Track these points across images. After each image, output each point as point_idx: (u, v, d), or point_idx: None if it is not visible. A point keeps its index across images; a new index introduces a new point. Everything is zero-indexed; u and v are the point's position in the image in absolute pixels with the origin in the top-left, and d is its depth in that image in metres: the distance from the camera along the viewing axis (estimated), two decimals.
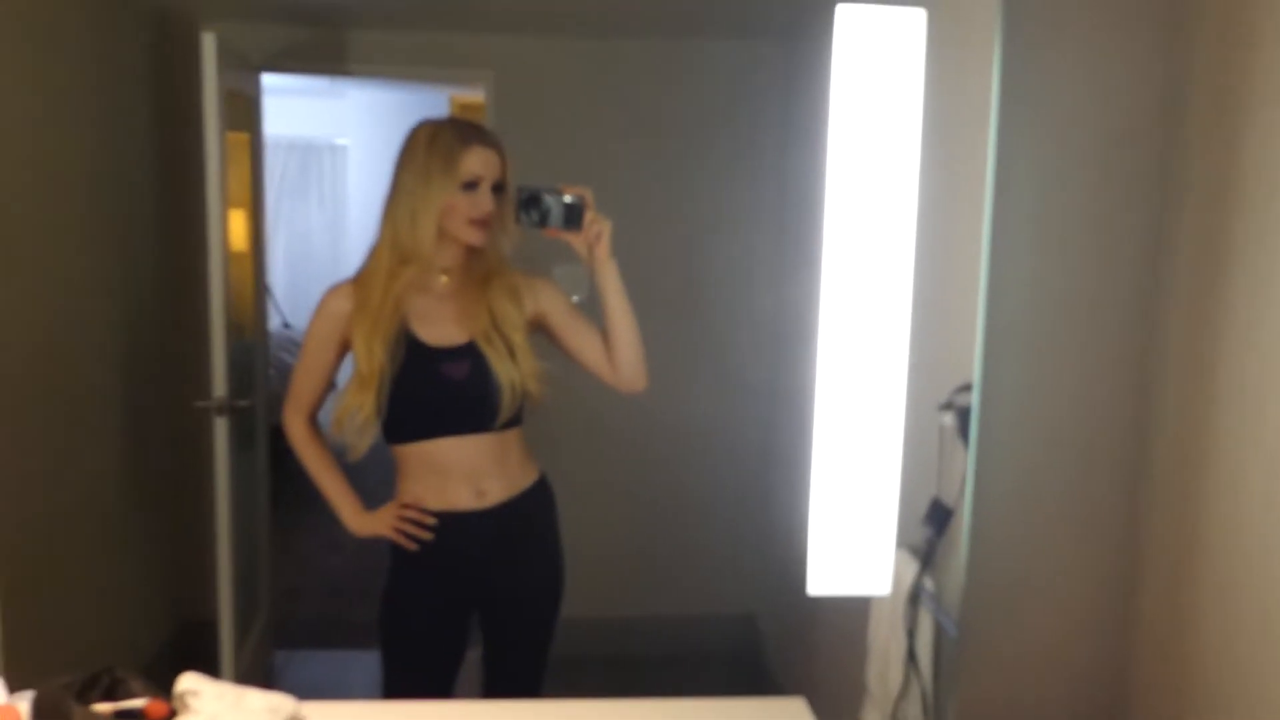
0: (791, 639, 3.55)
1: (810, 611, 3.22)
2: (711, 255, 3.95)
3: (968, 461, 1.35)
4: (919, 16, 1.17)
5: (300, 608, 4.44)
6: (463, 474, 2.19)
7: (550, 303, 2.24)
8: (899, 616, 1.58)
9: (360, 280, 2.16)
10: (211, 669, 3.20)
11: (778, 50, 3.82)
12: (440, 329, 2.16)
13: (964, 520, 1.60)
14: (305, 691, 3.77)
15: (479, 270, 2.19)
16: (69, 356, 2.98)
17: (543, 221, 2.06)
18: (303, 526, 5.45)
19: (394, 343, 2.12)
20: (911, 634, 1.62)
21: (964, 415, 1.55)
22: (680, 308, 3.86)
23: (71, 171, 3.00)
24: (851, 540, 1.31)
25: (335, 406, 2.17)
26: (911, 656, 1.63)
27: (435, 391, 2.15)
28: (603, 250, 2.08)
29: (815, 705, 1.75)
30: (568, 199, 2.06)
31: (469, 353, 2.15)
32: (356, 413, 2.12)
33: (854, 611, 2.74)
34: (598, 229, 2.06)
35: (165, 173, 3.64)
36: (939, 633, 1.60)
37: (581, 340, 2.23)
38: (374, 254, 2.15)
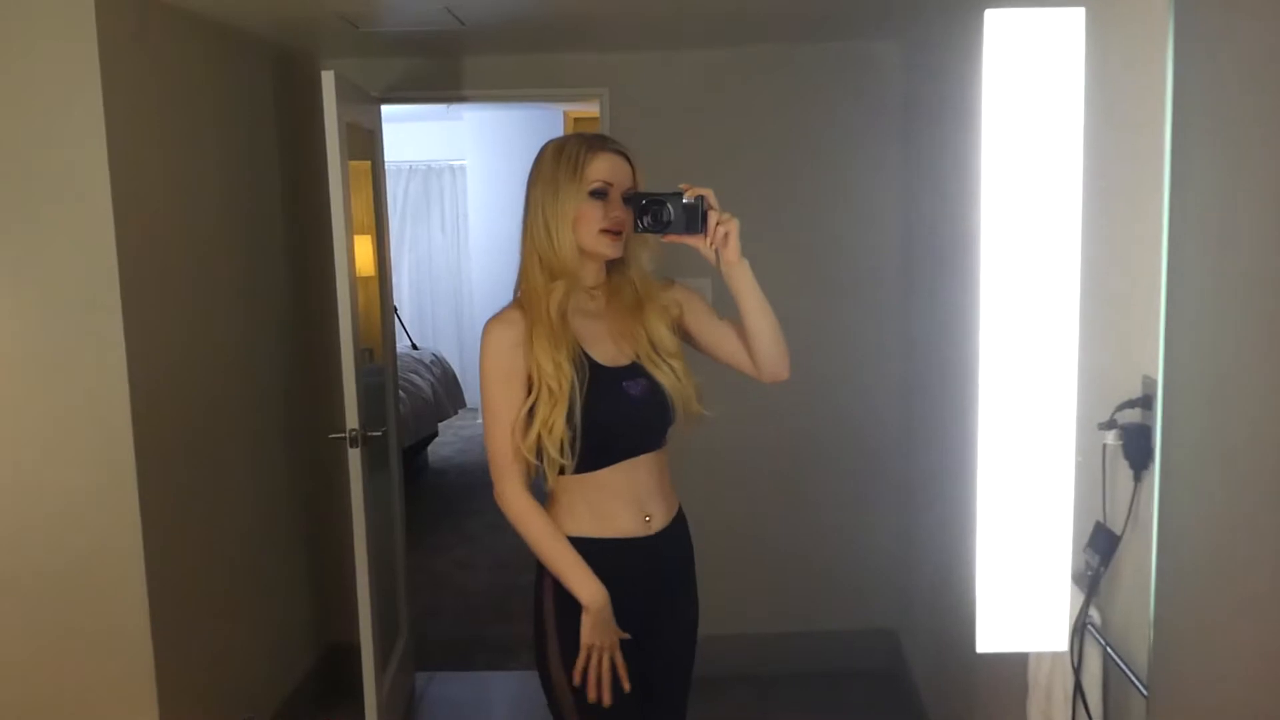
0: (935, 655, 3.44)
1: (954, 628, 3.12)
2: (837, 262, 3.87)
3: (1154, 484, 1.24)
4: (1077, 16, 1.09)
5: (438, 628, 4.48)
6: (632, 499, 2.08)
7: (687, 304, 2.17)
8: (1063, 650, 1.48)
9: (521, 303, 2.05)
10: (356, 692, 3.26)
11: (895, 51, 3.72)
12: (605, 349, 2.07)
13: (1148, 552, 1.50)
14: (448, 713, 3.85)
15: (626, 288, 2.12)
16: (210, 390, 3.05)
17: (663, 226, 1.96)
18: (436, 547, 5.52)
19: (575, 361, 2.00)
20: (1077, 670, 1.52)
21: (1130, 434, 1.45)
22: (810, 316, 3.79)
23: (205, 209, 3.08)
24: (1023, 591, 1.22)
25: (528, 434, 2.00)
26: (1078, 693, 1.53)
27: (623, 411, 2.04)
28: (732, 252, 1.97)
29: None
30: (687, 200, 1.95)
31: (640, 371, 2.07)
32: (552, 433, 1.97)
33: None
34: (724, 229, 1.95)
35: (293, 204, 3.72)
36: (1107, 669, 1.51)
37: (720, 338, 2.15)
38: (524, 275, 2.06)
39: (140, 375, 2.62)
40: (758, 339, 2.07)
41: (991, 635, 1.19)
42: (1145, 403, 1.48)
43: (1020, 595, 1.21)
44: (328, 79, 2.97)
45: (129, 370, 2.58)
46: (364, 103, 3.54)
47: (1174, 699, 1.17)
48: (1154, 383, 1.48)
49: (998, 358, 1.19)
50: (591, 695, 2.00)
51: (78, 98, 2.50)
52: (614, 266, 2.10)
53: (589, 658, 2.00)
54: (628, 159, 2.06)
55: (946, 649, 3.23)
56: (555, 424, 1.97)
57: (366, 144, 3.69)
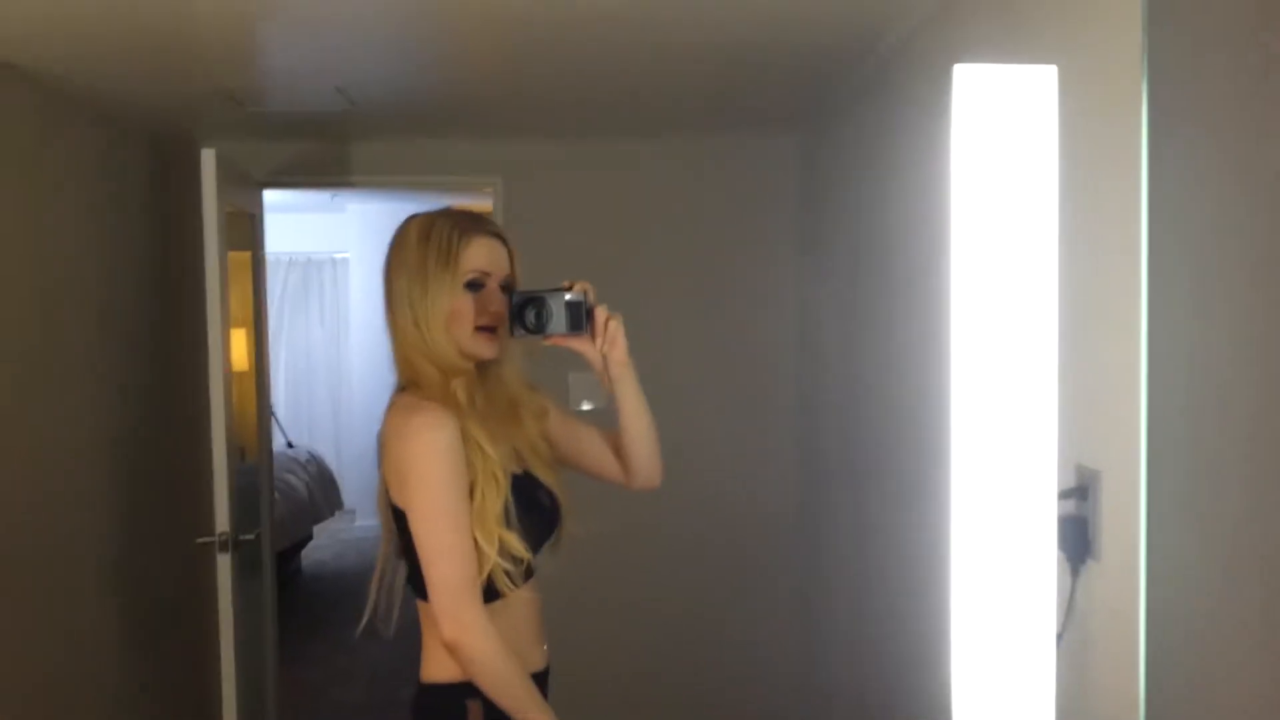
0: None
1: None
2: (731, 359, 3.82)
3: (1140, 570, 1.14)
4: (1049, 74, 1.03)
5: None
6: (538, 626, 1.84)
7: (551, 409, 1.96)
8: None
9: (434, 399, 1.73)
10: None
11: (791, 144, 3.74)
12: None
13: (1086, 649, 1.42)
14: None
15: (498, 390, 1.85)
16: (63, 497, 2.81)
17: (543, 327, 1.75)
18: (310, 658, 5.21)
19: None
20: None
21: (1066, 526, 1.37)
22: (702, 418, 3.72)
23: (68, 297, 2.86)
24: (1001, 706, 1.10)
25: (486, 535, 1.69)
26: None
27: (540, 522, 1.79)
28: (621, 352, 1.79)
29: None
30: (569, 298, 1.76)
31: (538, 482, 1.83)
32: (510, 529, 1.70)
33: None
34: (613, 328, 1.78)
35: (167, 293, 3.51)
36: None
37: (586, 445, 1.96)
38: (415, 372, 1.76)
39: None
40: (638, 444, 1.89)
41: None
42: (1080, 493, 1.41)
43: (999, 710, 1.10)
44: (207, 158, 2.82)
45: None
46: (245, 186, 3.38)
47: None
48: (1089, 472, 1.42)
49: (969, 440, 1.09)
50: None
51: None
52: (484, 366, 1.83)
53: None
54: (504, 242, 1.82)
55: None
56: (507, 518, 1.70)
57: (247, 231, 3.52)
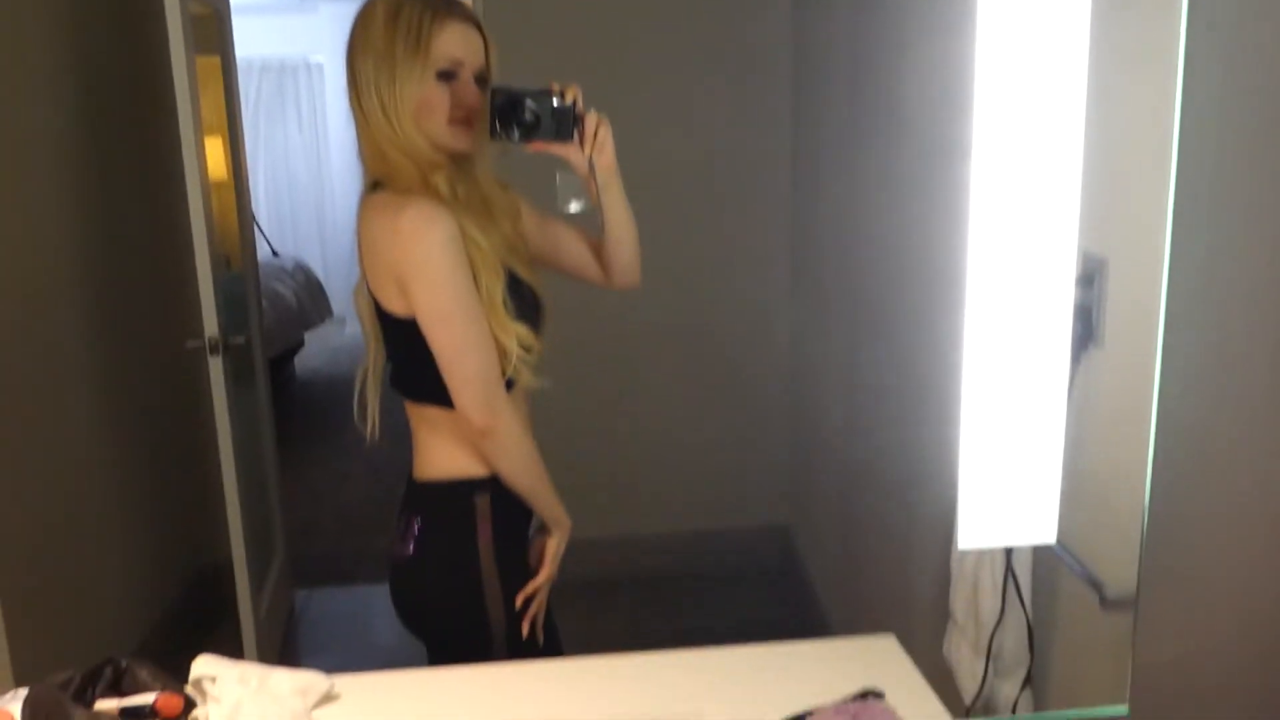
0: (833, 551, 3.43)
1: (851, 523, 3.10)
2: (721, 153, 3.75)
3: (1155, 375, 1.14)
4: None
5: (315, 544, 4.31)
6: (530, 419, 1.82)
7: (524, 207, 1.92)
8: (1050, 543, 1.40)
9: (414, 189, 1.67)
10: (231, 613, 3.10)
11: None
12: None
13: (1087, 438, 1.44)
14: (329, 630, 3.71)
15: (472, 189, 1.76)
16: (51, 306, 2.80)
17: (529, 133, 1.66)
18: (309, 461, 5.32)
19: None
20: (1009, 551, 1.46)
21: (1077, 316, 1.37)
22: (693, 206, 3.68)
23: (37, 106, 2.78)
24: (1009, 480, 1.12)
25: (504, 326, 1.67)
26: (1010, 580, 1.48)
27: (531, 318, 1.75)
28: (608, 159, 1.73)
29: (871, 626, 1.61)
30: (557, 103, 1.66)
31: (519, 278, 1.77)
32: (511, 335, 1.67)
33: (895, 519, 2.62)
34: (602, 134, 1.70)
35: (138, 101, 3.41)
36: (1037, 557, 1.46)
37: (563, 244, 1.92)
38: (389, 167, 1.68)
39: None
40: (621, 249, 1.85)
41: (972, 531, 1.10)
42: (1085, 280, 1.40)
43: (1004, 486, 1.12)
44: None
45: None
46: None
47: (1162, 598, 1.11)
48: (1095, 259, 1.41)
49: (986, 239, 1.08)
50: (527, 630, 1.83)
51: None
52: (455, 161, 1.74)
53: (538, 590, 1.82)
54: (479, 30, 1.71)
55: (849, 545, 3.21)
56: (511, 304, 1.66)
57: (215, 35, 3.38)
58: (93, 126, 3.13)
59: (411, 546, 1.79)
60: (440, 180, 1.68)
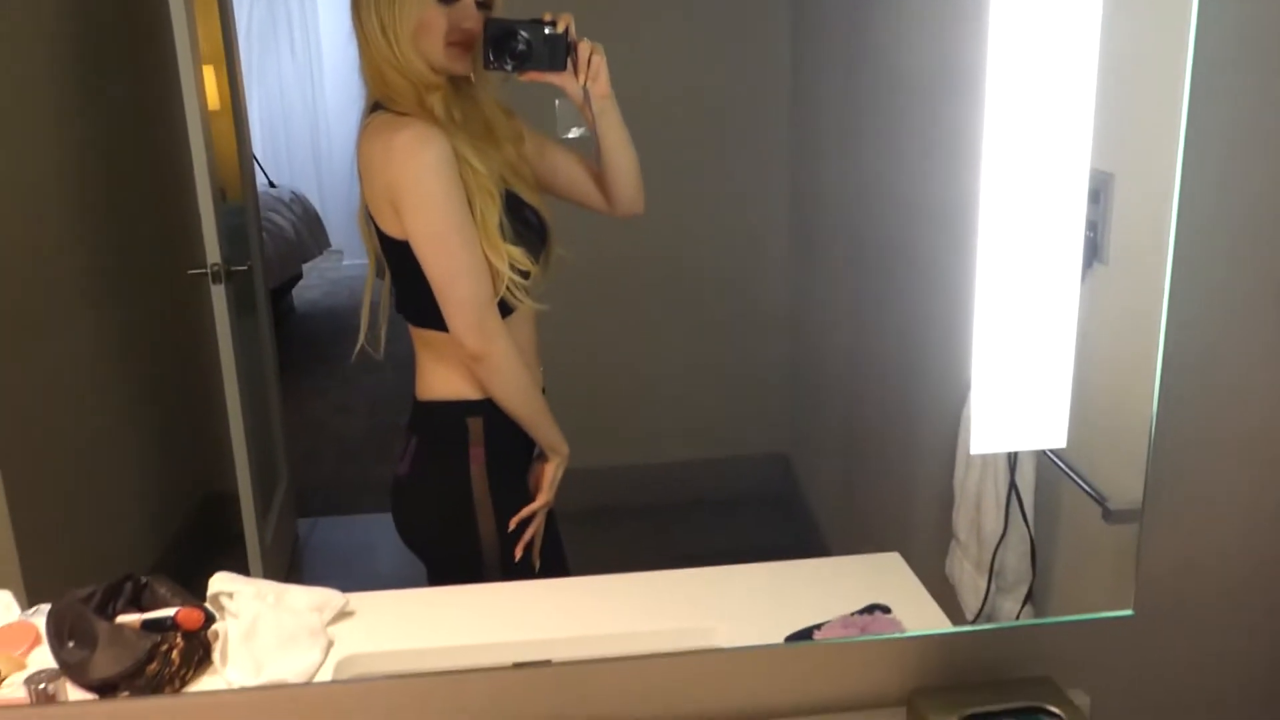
0: (831, 478, 3.46)
1: (852, 449, 3.12)
2: (716, 72, 3.71)
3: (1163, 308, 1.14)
4: None
5: (318, 474, 4.34)
6: (534, 344, 1.89)
7: (532, 141, 1.92)
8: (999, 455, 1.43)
9: (412, 113, 1.71)
10: (237, 540, 3.13)
11: None
12: None
13: (1090, 351, 1.45)
14: (334, 559, 3.74)
15: (474, 111, 1.81)
16: (52, 233, 2.79)
17: (521, 63, 1.70)
18: (310, 391, 5.32)
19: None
20: (1013, 469, 1.48)
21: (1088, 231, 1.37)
22: (690, 135, 3.65)
23: (28, 36, 2.74)
24: (1020, 385, 1.14)
25: (495, 249, 1.71)
26: (1014, 495, 1.50)
27: (532, 241, 1.80)
28: (602, 87, 1.76)
29: (873, 550, 1.64)
30: (549, 31, 1.70)
31: (522, 201, 1.83)
32: (506, 258, 1.71)
33: (897, 444, 2.65)
34: (596, 62, 1.74)
35: (134, 27, 3.37)
36: (1040, 469, 1.48)
37: (566, 170, 1.93)
38: (386, 86, 1.71)
39: None
40: (620, 176, 1.87)
41: (984, 436, 1.12)
42: (1092, 196, 1.40)
43: (1017, 393, 1.13)
44: None
45: None
46: None
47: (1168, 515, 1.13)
48: (1101, 175, 1.41)
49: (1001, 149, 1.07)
50: (520, 553, 1.86)
51: None
52: (457, 84, 1.79)
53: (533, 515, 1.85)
54: None
55: (850, 471, 3.24)
56: (504, 233, 1.69)
57: None
58: (86, 53, 3.10)
59: (408, 465, 1.83)
60: (437, 102, 1.70)
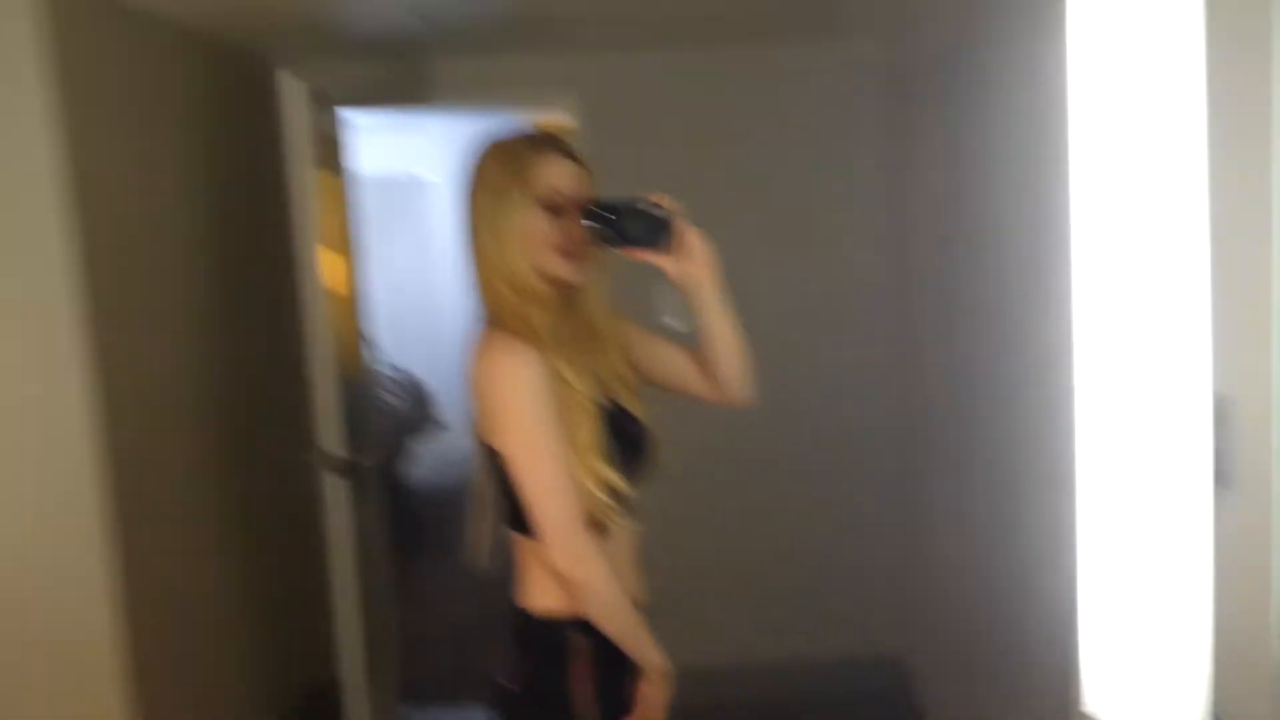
0: (946, 684, 3.29)
1: (969, 652, 2.96)
2: (822, 267, 3.74)
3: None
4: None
5: (423, 659, 4.29)
6: (633, 559, 1.82)
7: (635, 335, 1.89)
8: None
9: (514, 331, 1.70)
10: None
11: (880, 50, 3.59)
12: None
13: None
14: None
15: (582, 319, 1.80)
16: (179, 412, 2.88)
17: (622, 239, 1.68)
18: (416, 573, 5.32)
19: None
20: None
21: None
22: (793, 320, 3.67)
23: (170, 221, 2.90)
24: (1140, 646, 1.04)
25: (586, 466, 1.69)
26: None
27: (634, 453, 1.77)
28: (701, 268, 1.73)
29: None
30: (648, 209, 1.69)
31: (626, 413, 1.80)
32: (597, 479, 1.69)
33: (1033, 648, 2.50)
34: (695, 243, 1.72)
35: (267, 216, 3.55)
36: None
37: (674, 365, 1.91)
38: (493, 298, 1.74)
39: (106, 399, 2.45)
40: (727, 360, 1.82)
41: (1099, 696, 1.01)
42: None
43: (1135, 651, 1.03)
44: (287, 81, 2.80)
45: (94, 394, 2.42)
46: (325, 107, 3.36)
47: None
48: (1223, 398, 1.32)
49: (1107, 365, 1.02)
50: None
51: (32, 98, 2.34)
52: (566, 292, 1.78)
53: None
54: (582, 164, 1.77)
55: (961, 678, 3.07)
56: (601, 450, 1.68)
57: (333, 153, 3.51)
58: (223, 241, 3.24)
59: (509, 677, 1.78)
60: (540, 317, 1.70)
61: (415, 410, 6.90)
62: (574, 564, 1.66)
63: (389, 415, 6.31)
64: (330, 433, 2.90)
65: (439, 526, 6.17)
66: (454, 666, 4.22)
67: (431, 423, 7.26)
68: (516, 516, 1.74)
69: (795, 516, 3.82)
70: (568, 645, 1.75)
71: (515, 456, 1.66)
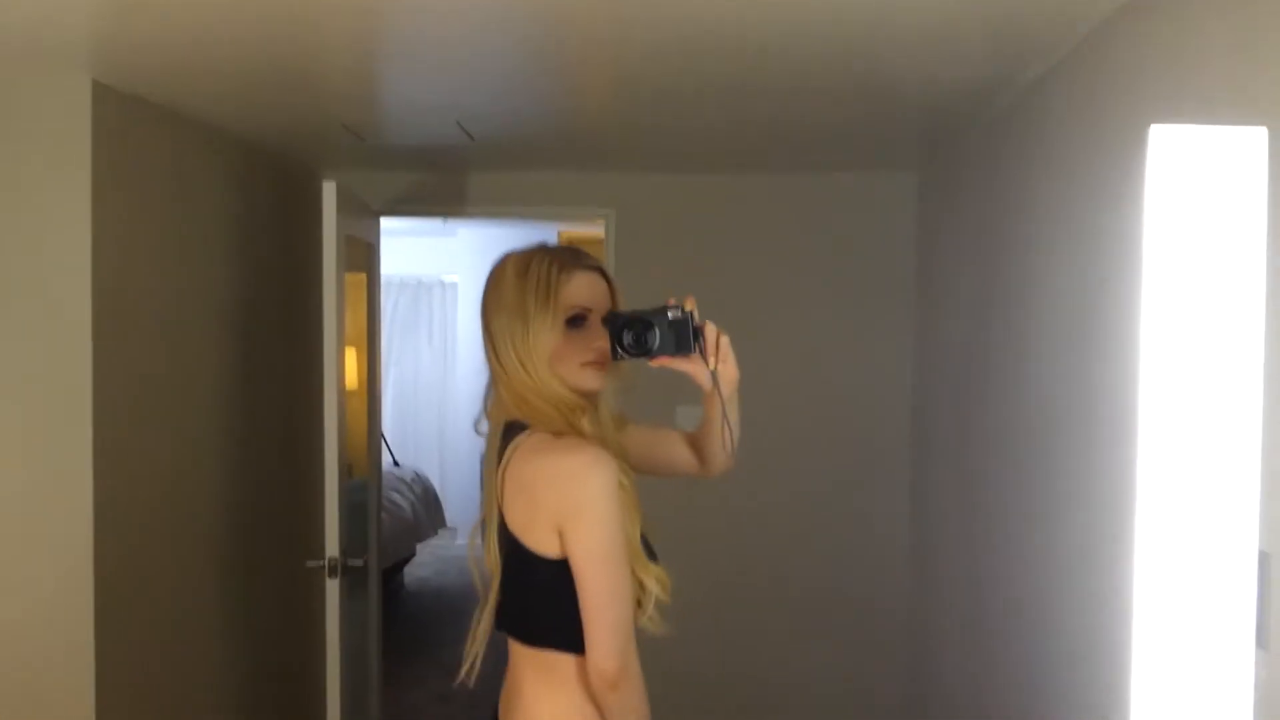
0: None
1: None
2: (843, 382, 3.77)
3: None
4: (1259, 136, 0.96)
5: None
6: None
7: (634, 433, 1.89)
8: None
9: (563, 430, 1.69)
10: None
11: (909, 181, 3.68)
12: None
13: None
14: None
15: (602, 419, 1.76)
16: (177, 506, 2.87)
17: (649, 348, 1.65)
18: (412, 679, 5.24)
19: None
20: None
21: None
22: (812, 432, 3.70)
23: (189, 317, 2.92)
24: None
25: (648, 585, 1.67)
26: None
27: (654, 558, 1.73)
28: (732, 369, 1.71)
29: None
30: (672, 315, 1.65)
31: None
32: (660, 580, 1.67)
33: None
34: (724, 344, 1.69)
35: (283, 314, 3.59)
36: None
37: (669, 455, 1.91)
38: (533, 411, 1.70)
39: (106, 490, 2.44)
40: (730, 444, 1.84)
41: None
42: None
43: None
44: (329, 190, 2.86)
45: (94, 485, 2.40)
46: (364, 216, 3.44)
47: None
48: (1261, 555, 1.32)
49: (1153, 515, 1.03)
50: None
51: (65, 196, 2.38)
52: (591, 399, 1.76)
53: None
54: (604, 276, 1.76)
55: None
56: (660, 580, 1.67)
57: (364, 257, 3.58)
58: (239, 338, 3.27)
59: None
60: (585, 422, 1.70)
61: (422, 509, 6.86)
62: (623, 673, 1.60)
63: (396, 514, 6.28)
64: (334, 539, 2.88)
65: (433, 628, 6.09)
66: None
67: (437, 522, 7.22)
68: (539, 628, 1.70)
69: (805, 634, 3.80)
70: None
71: (590, 559, 1.60)
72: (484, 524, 1.77)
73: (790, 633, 3.80)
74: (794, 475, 3.74)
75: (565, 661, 1.67)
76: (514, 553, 1.68)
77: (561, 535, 1.61)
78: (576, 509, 1.60)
